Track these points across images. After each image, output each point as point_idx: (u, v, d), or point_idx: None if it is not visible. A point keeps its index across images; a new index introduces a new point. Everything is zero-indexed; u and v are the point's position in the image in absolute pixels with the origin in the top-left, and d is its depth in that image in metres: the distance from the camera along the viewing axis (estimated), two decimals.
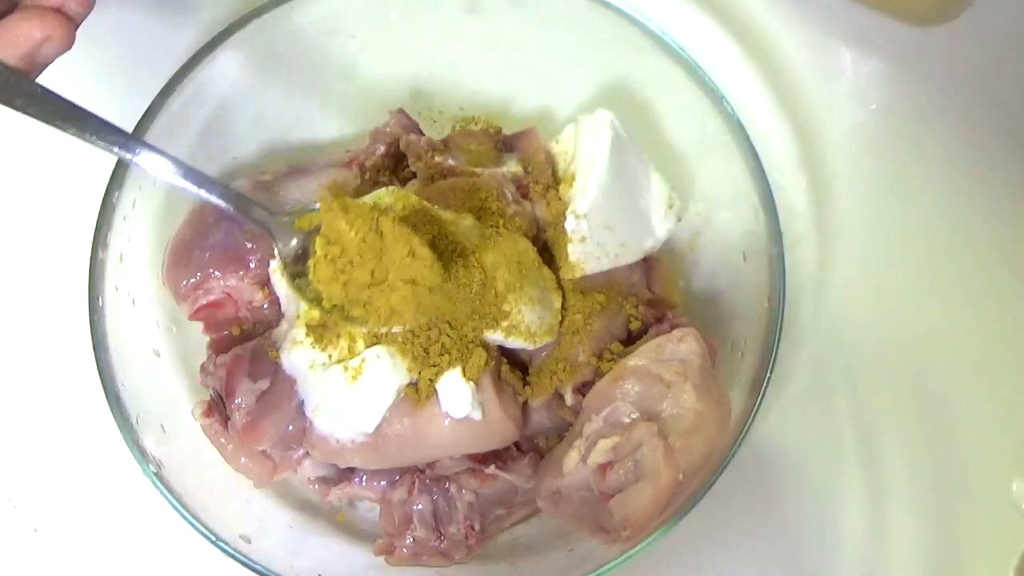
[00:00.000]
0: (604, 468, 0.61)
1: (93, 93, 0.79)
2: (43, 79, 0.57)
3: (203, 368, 0.68)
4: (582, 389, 0.65)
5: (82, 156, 0.77)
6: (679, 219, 0.70)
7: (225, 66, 0.70)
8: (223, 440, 0.66)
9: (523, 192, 0.69)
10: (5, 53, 0.53)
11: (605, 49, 0.73)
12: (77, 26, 0.55)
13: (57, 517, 0.71)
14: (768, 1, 0.80)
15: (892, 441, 0.71)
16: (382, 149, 0.72)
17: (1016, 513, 0.69)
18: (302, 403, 0.65)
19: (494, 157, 0.71)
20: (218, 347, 0.68)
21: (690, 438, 0.61)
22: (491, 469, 0.65)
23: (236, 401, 0.64)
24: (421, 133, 0.73)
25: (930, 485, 0.70)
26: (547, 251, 0.69)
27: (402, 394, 0.63)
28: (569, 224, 0.67)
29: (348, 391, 0.63)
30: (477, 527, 0.65)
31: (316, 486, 0.69)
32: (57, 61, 0.79)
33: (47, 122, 0.55)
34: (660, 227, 0.69)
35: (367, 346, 0.63)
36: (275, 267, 0.66)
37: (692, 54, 0.69)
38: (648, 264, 0.71)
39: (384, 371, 0.62)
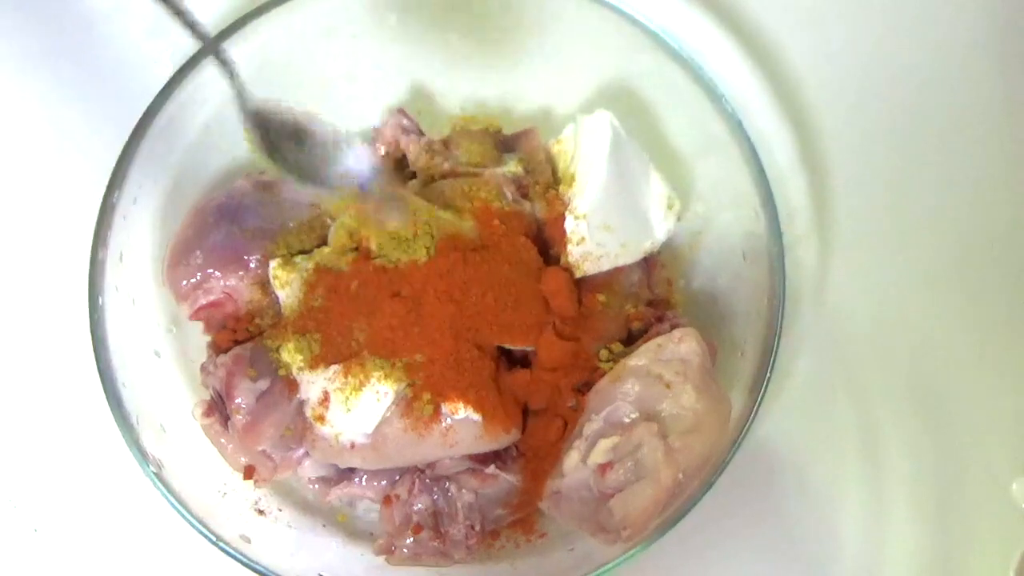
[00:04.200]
0: (604, 468, 0.61)
1: (94, 92, 0.79)
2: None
3: (203, 368, 0.68)
4: (582, 389, 0.65)
5: (82, 156, 0.77)
6: (679, 219, 0.70)
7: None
8: (223, 440, 0.66)
9: (523, 192, 0.70)
10: None
11: (605, 49, 0.73)
12: None
13: (57, 517, 0.71)
14: (768, 1, 0.80)
15: (892, 441, 0.71)
16: (382, 149, 0.72)
17: (1016, 513, 0.69)
18: (302, 403, 0.65)
19: (494, 157, 0.71)
20: (218, 347, 0.68)
21: (690, 438, 0.61)
22: (491, 469, 0.65)
23: (236, 401, 0.65)
24: (421, 133, 0.73)
25: (930, 485, 0.70)
26: (546, 251, 0.69)
27: (401, 395, 0.63)
28: (568, 225, 0.67)
29: (347, 392, 0.63)
30: (477, 527, 0.65)
31: (316, 486, 0.69)
32: (58, 62, 0.80)
33: None
34: (660, 227, 0.69)
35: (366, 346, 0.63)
36: (275, 266, 0.66)
37: (692, 54, 0.69)
38: (648, 264, 0.71)
39: (382, 372, 0.62)
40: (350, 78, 0.76)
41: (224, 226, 0.68)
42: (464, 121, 0.76)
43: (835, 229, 0.75)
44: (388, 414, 0.63)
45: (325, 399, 0.64)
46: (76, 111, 0.79)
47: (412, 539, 0.65)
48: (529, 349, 0.66)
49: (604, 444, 0.61)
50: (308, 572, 0.65)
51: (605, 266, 0.68)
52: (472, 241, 0.66)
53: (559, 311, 0.66)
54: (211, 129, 0.72)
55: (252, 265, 0.68)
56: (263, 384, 0.65)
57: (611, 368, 0.65)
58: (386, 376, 0.62)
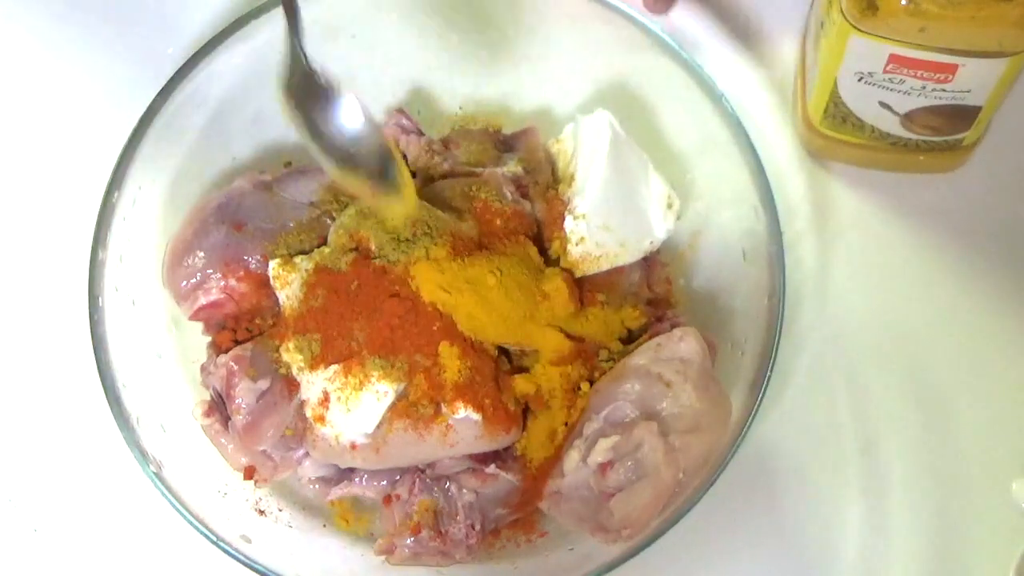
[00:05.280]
0: (604, 467, 0.61)
1: (93, 92, 0.79)
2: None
3: (203, 368, 0.68)
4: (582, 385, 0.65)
5: (82, 156, 0.77)
6: (678, 218, 0.70)
7: (225, 66, 0.70)
8: (223, 440, 0.66)
9: (523, 192, 0.70)
10: None
11: (605, 49, 0.73)
12: None
13: (57, 517, 0.71)
14: (768, 1, 0.80)
15: (892, 441, 0.71)
16: None
17: (1016, 513, 0.69)
18: (302, 403, 0.65)
19: (494, 157, 0.71)
20: (218, 347, 0.68)
21: (690, 437, 0.61)
22: (491, 469, 0.65)
23: (236, 401, 0.65)
24: (421, 133, 0.73)
25: (930, 485, 0.70)
26: (546, 251, 0.69)
27: (401, 395, 0.63)
28: (568, 224, 0.67)
29: (347, 392, 0.63)
30: (477, 527, 0.65)
31: (316, 486, 0.69)
32: (58, 61, 0.80)
33: None
34: (659, 227, 0.69)
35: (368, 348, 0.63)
36: (275, 266, 0.66)
37: (691, 53, 0.69)
38: (648, 263, 0.71)
39: (382, 372, 0.62)
40: (350, 79, 0.75)
41: (224, 226, 0.68)
42: (464, 121, 0.76)
43: (835, 228, 0.75)
44: (388, 414, 0.63)
45: (325, 399, 0.64)
46: (75, 111, 0.79)
47: (412, 539, 0.65)
48: (529, 349, 0.66)
49: (604, 444, 0.61)
50: (308, 572, 0.65)
51: (605, 266, 0.68)
52: (472, 241, 0.66)
53: (559, 311, 0.66)
54: (211, 129, 0.72)
55: (252, 265, 0.68)
56: (263, 384, 0.65)
57: (611, 368, 0.65)
58: (386, 376, 0.62)
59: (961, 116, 0.68)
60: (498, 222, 0.67)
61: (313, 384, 0.64)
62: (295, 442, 0.66)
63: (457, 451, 0.64)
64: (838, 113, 0.71)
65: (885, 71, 0.65)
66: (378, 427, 0.63)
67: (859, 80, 0.67)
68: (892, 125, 0.70)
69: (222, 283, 0.68)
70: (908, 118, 0.69)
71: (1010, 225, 0.75)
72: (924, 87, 0.65)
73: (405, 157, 0.72)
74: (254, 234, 0.68)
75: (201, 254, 0.68)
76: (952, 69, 0.63)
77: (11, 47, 0.81)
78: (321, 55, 0.73)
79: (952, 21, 0.60)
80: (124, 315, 0.67)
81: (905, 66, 0.64)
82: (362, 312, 0.64)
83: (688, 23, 0.79)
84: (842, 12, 0.63)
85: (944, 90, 0.65)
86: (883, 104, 0.68)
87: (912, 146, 0.72)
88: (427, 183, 0.70)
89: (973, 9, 0.60)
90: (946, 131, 0.70)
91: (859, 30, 0.63)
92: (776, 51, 0.79)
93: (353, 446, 0.64)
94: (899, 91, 0.67)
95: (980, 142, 0.73)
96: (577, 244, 0.67)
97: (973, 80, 0.64)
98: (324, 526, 0.69)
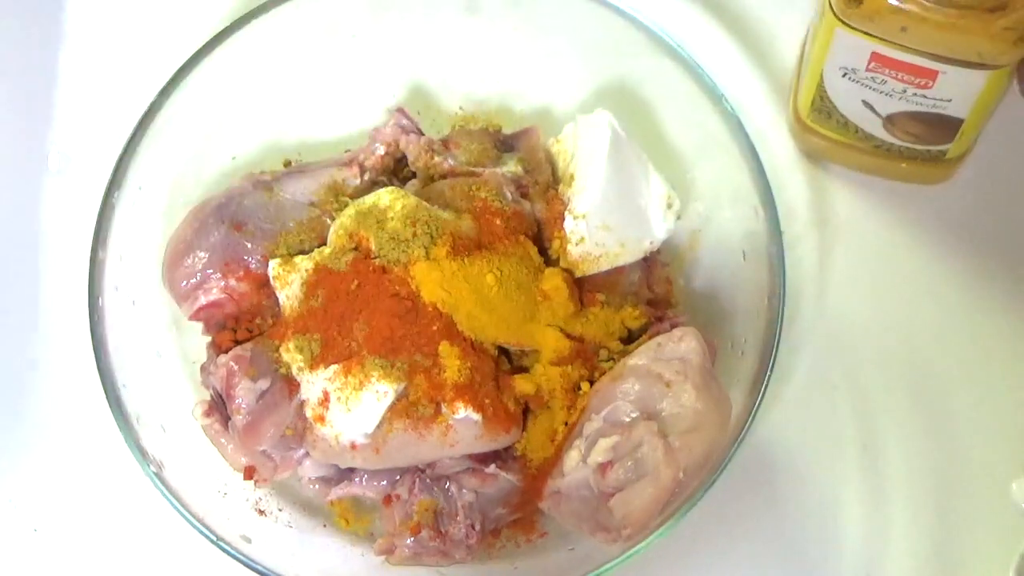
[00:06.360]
0: (604, 467, 0.61)
1: (93, 93, 0.80)
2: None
3: (203, 368, 0.68)
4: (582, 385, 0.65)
5: (82, 156, 0.77)
6: (678, 218, 0.70)
7: (225, 66, 0.70)
8: (223, 440, 0.66)
9: (523, 192, 0.70)
10: None
11: (605, 49, 0.73)
12: None
13: (57, 517, 0.71)
14: (768, 1, 0.80)
15: (892, 441, 0.71)
16: (382, 149, 0.72)
17: (1016, 513, 0.69)
18: (303, 403, 0.65)
19: (494, 157, 0.71)
20: (218, 347, 0.68)
21: (690, 437, 0.61)
22: (491, 469, 0.65)
23: (236, 401, 0.64)
24: (421, 133, 0.73)
25: (930, 485, 0.70)
26: (546, 251, 0.69)
27: (401, 395, 0.63)
28: (568, 225, 0.67)
29: (347, 392, 0.63)
30: (477, 527, 0.65)
31: (316, 486, 0.69)
32: (57, 60, 0.80)
33: None
34: (659, 227, 0.69)
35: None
36: (275, 266, 0.66)
37: (691, 53, 0.69)
38: (648, 263, 0.71)
39: (382, 372, 0.62)
40: (350, 78, 0.76)
41: (223, 226, 0.68)
42: (464, 121, 0.76)
43: (835, 228, 0.75)
44: (388, 414, 0.63)
45: (325, 399, 0.64)
46: (76, 111, 0.79)
47: (412, 539, 0.65)
48: (529, 349, 0.66)
49: (604, 443, 0.61)
50: (308, 572, 0.65)
51: (604, 266, 0.68)
52: (472, 241, 0.66)
53: (559, 311, 0.66)
54: (211, 129, 0.72)
55: (252, 265, 0.68)
56: (263, 384, 0.65)
57: (611, 368, 0.65)
58: (386, 376, 0.62)
59: (943, 126, 0.68)
60: (498, 222, 0.67)
61: (313, 384, 0.64)
62: (295, 442, 0.66)
63: (457, 451, 0.64)
64: (823, 107, 0.71)
65: (867, 69, 0.65)
66: (378, 427, 0.63)
67: (843, 75, 0.67)
68: (875, 127, 0.70)
69: (222, 283, 0.67)
70: (890, 121, 0.69)
71: (1010, 226, 0.76)
72: (905, 90, 0.65)
73: (405, 157, 0.72)
74: (254, 234, 0.68)
75: (201, 254, 0.67)
76: (932, 75, 0.63)
77: (10, 46, 0.81)
78: (321, 55, 0.74)
79: (933, 24, 0.60)
80: (124, 315, 0.67)
81: (886, 66, 0.64)
82: (362, 312, 0.64)
83: (688, 23, 0.79)
84: (830, 3, 0.63)
85: (925, 96, 0.65)
86: (866, 104, 0.68)
87: (895, 152, 0.72)
88: (427, 183, 0.70)
89: (955, 15, 0.59)
90: (928, 140, 0.70)
91: (844, 23, 0.63)
92: (776, 51, 0.79)
93: (353, 446, 0.64)
94: (881, 92, 0.67)
95: (966, 158, 0.73)
96: (577, 244, 0.67)
97: (953, 90, 0.64)
98: (324, 526, 0.69)
